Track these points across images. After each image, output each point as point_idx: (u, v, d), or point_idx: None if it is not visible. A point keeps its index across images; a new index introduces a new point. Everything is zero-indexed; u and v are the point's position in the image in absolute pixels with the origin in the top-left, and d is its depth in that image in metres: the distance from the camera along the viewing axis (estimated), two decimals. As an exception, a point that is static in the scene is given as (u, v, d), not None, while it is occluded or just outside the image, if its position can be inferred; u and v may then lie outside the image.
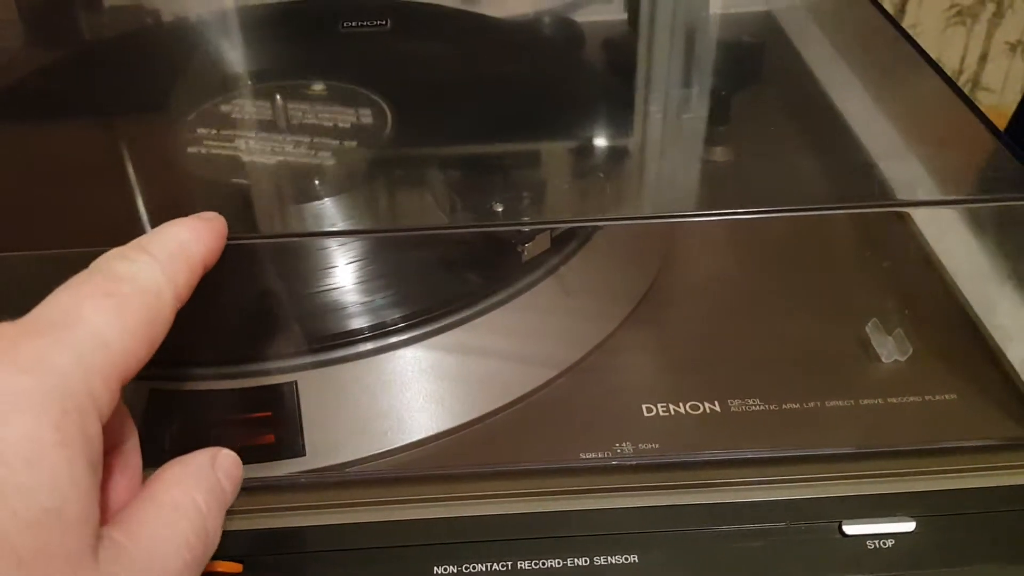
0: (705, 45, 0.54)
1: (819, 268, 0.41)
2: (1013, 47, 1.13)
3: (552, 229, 0.36)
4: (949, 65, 1.15)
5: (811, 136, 0.45)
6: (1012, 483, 0.31)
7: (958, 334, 0.37)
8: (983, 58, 1.40)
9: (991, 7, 1.33)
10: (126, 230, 0.34)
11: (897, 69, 0.44)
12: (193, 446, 0.32)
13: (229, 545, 0.30)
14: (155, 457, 0.32)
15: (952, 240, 0.39)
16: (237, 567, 0.30)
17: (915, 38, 1.07)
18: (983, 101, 1.12)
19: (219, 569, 0.30)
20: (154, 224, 0.37)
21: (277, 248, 0.36)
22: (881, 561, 0.30)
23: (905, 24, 1.26)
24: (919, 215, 0.41)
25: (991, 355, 0.36)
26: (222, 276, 0.36)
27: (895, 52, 0.44)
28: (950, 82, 0.38)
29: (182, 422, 0.33)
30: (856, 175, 0.40)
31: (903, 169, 0.39)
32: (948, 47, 1.20)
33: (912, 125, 0.41)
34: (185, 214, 0.38)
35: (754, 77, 0.51)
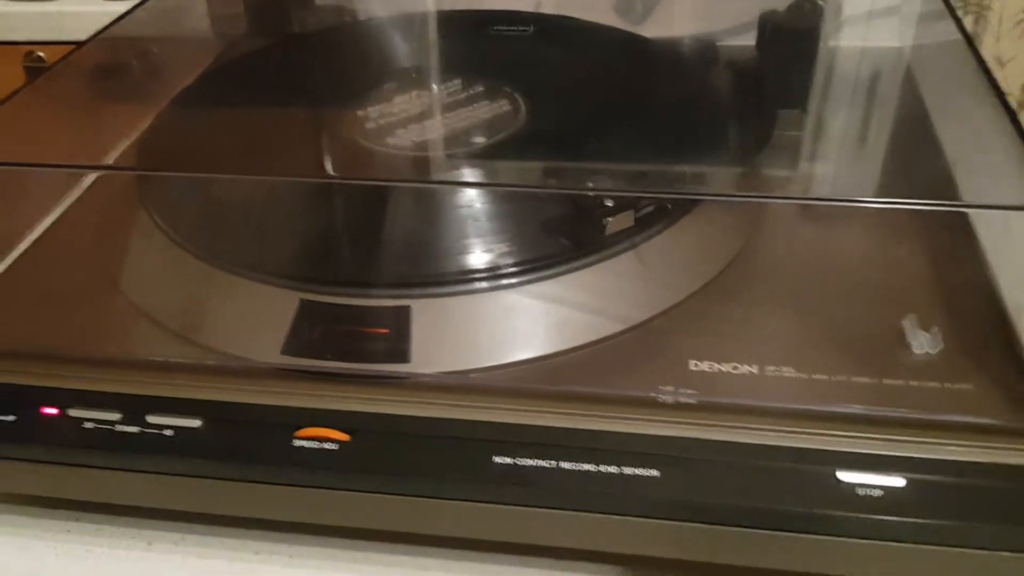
0: (824, 73, 0.59)
1: (878, 263, 0.46)
2: None
3: (635, 210, 0.43)
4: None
5: (906, 155, 0.49)
6: (1001, 461, 0.36)
7: (992, 336, 0.41)
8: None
9: None
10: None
11: (980, 104, 0.48)
12: (327, 345, 0.41)
13: (342, 420, 0.39)
14: (300, 349, 0.41)
15: (1000, 246, 0.43)
16: (346, 436, 0.38)
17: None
18: None
19: (333, 436, 0.38)
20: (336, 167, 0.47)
21: (409, 200, 0.44)
22: (867, 505, 0.35)
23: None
24: (978, 221, 0.45)
25: (1017, 356, 0.39)
26: (366, 216, 0.45)
27: (980, 89, 0.48)
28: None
29: (322, 326, 0.42)
30: (931, 184, 0.45)
31: (969, 183, 0.43)
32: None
33: (984, 149, 0.45)
34: (356, 167, 0.48)
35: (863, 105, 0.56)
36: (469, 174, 0.46)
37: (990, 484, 0.35)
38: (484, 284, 0.42)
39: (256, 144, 0.48)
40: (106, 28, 0.62)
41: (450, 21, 0.62)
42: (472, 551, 0.42)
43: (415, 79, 0.55)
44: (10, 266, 0.48)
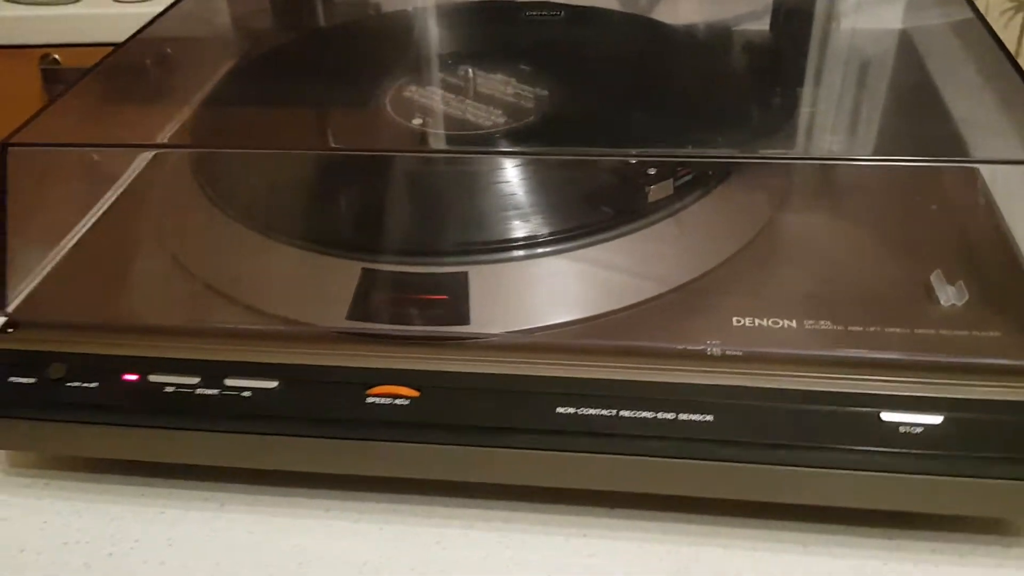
0: (837, 52, 0.62)
1: (900, 222, 0.48)
2: None
3: (675, 179, 0.46)
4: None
5: (918, 122, 0.52)
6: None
7: (1012, 286, 0.44)
8: None
9: None
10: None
11: (993, 74, 0.51)
12: (391, 310, 0.44)
13: (410, 378, 0.41)
14: (365, 315, 0.44)
15: (1015, 201, 0.47)
16: (415, 393, 0.41)
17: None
18: None
19: (403, 392, 0.41)
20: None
21: (460, 174, 0.47)
22: (907, 441, 0.38)
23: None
24: (988, 177, 0.48)
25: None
26: (422, 190, 0.47)
27: (993, 61, 0.51)
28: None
29: (383, 294, 0.44)
30: (945, 147, 0.48)
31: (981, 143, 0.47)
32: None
33: (993, 113, 0.48)
34: (388, 142, 0.50)
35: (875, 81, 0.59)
36: (503, 147, 0.49)
37: (1019, 420, 0.38)
38: (536, 250, 0.44)
39: (307, 127, 0.51)
40: (142, 30, 0.63)
41: (473, 10, 0.64)
42: (528, 502, 0.44)
43: (449, 64, 0.57)
44: (77, 244, 0.50)
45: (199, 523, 0.45)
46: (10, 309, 0.46)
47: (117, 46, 0.55)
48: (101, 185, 0.53)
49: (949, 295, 0.43)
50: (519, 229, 0.45)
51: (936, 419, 0.38)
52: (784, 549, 0.42)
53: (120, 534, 0.44)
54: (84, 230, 0.51)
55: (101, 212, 0.52)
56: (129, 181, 0.54)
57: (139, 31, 0.57)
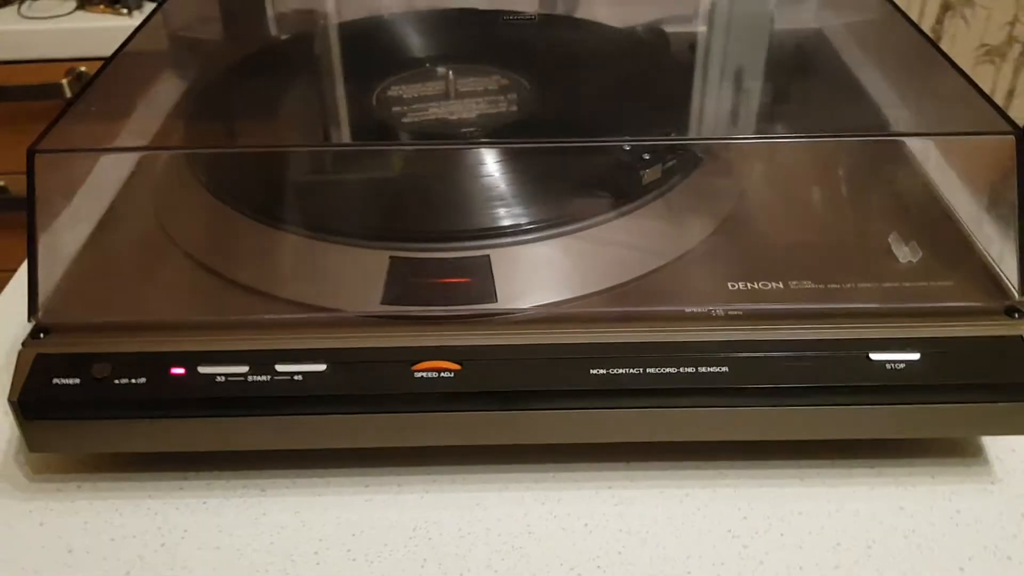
0: (764, 49, 0.69)
1: (860, 194, 0.55)
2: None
3: (662, 164, 0.51)
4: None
5: (840, 109, 0.59)
6: (984, 334, 0.45)
7: (957, 243, 0.51)
8: (1011, 94, 1.55)
9: (1018, 47, 1.48)
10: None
11: (910, 55, 0.59)
12: (420, 294, 0.47)
13: (451, 353, 0.45)
14: (396, 300, 0.47)
15: (945, 168, 0.54)
16: (457, 366, 0.44)
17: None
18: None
19: (447, 366, 0.44)
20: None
21: (474, 165, 0.51)
22: (894, 376, 0.44)
23: (935, 60, 1.41)
24: (924, 152, 0.56)
25: (979, 256, 0.50)
26: (441, 181, 0.51)
27: (912, 46, 0.58)
28: (953, 64, 0.53)
29: (411, 279, 0.47)
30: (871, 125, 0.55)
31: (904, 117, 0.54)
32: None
33: (917, 91, 0.56)
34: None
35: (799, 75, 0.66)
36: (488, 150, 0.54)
37: (978, 351, 0.45)
38: (547, 232, 0.49)
39: (318, 128, 0.54)
40: (123, 46, 0.62)
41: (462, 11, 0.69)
42: (553, 463, 0.48)
43: (431, 67, 0.61)
44: (88, 246, 0.51)
45: (244, 509, 0.47)
46: (39, 314, 0.47)
47: (108, 59, 0.56)
48: (102, 188, 0.54)
49: (906, 253, 0.50)
50: (532, 214, 0.49)
51: (914, 356, 0.44)
52: (785, 483, 0.48)
53: (167, 526, 0.46)
54: (89, 233, 0.52)
55: (103, 213, 0.53)
56: (132, 184, 0.55)
57: (125, 43, 0.58)
